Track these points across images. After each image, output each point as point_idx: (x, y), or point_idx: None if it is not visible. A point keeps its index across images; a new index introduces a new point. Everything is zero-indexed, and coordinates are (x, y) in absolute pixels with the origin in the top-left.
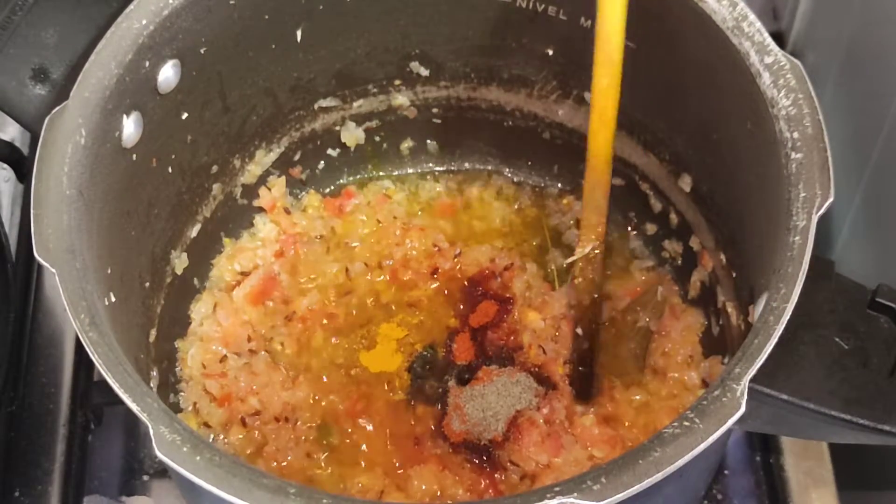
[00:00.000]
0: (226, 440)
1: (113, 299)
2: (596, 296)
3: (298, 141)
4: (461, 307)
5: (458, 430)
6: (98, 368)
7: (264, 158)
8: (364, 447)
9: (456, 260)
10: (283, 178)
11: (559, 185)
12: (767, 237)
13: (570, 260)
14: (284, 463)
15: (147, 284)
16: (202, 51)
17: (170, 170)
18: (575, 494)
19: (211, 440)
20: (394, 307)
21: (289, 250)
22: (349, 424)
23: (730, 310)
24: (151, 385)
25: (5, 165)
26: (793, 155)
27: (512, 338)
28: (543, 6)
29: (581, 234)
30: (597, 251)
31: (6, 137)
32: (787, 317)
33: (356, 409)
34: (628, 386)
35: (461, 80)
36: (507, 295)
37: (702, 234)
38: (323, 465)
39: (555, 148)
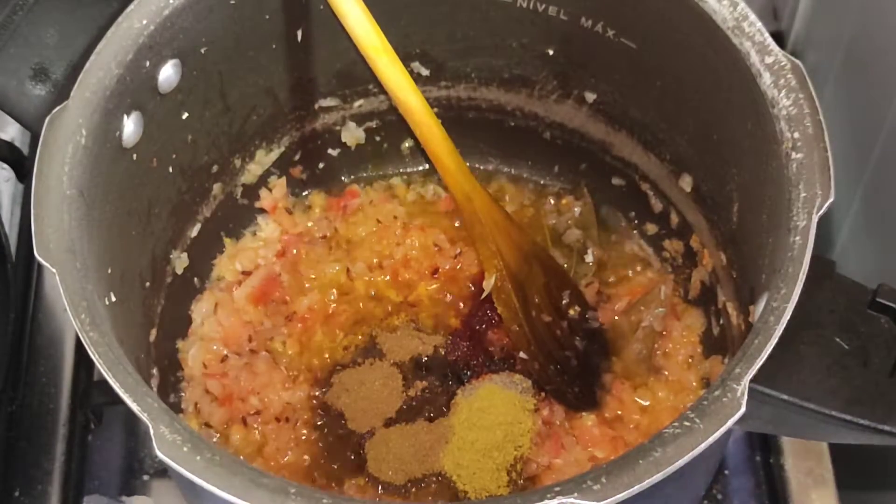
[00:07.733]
0: (226, 440)
1: (113, 299)
2: (523, 323)
3: (299, 141)
4: (461, 307)
5: None
6: (98, 368)
7: (265, 158)
8: (364, 446)
9: (456, 260)
10: (284, 178)
11: (559, 184)
12: (768, 237)
13: (484, 294)
14: (284, 463)
15: (147, 284)
16: (203, 50)
17: (170, 169)
18: (575, 494)
19: (211, 440)
20: (394, 307)
21: (290, 250)
22: (349, 424)
23: (730, 310)
24: (152, 385)
25: (5, 165)
26: (793, 155)
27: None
28: (544, 6)
29: (484, 266)
30: (503, 282)
31: (6, 137)
32: (788, 317)
33: (356, 409)
34: (637, 388)
35: (462, 79)
36: None
37: (702, 234)
38: (323, 464)
39: (555, 148)
